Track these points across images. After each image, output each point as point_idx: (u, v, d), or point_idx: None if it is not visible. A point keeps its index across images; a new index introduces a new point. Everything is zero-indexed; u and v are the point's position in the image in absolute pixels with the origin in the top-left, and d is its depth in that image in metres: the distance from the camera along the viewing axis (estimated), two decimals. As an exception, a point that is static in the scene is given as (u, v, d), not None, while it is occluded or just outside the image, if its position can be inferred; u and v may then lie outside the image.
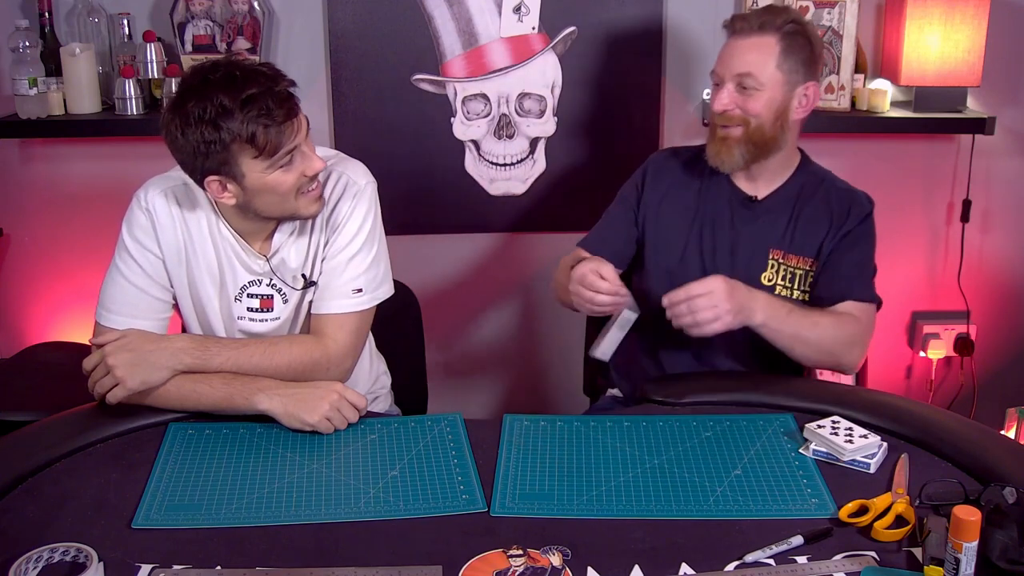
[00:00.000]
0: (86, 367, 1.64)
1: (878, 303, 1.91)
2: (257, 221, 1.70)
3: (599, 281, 1.74)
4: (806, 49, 1.84)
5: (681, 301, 1.71)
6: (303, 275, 1.76)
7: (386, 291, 1.82)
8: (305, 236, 1.75)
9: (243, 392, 1.62)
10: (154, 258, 1.72)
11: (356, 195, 1.75)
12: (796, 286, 1.91)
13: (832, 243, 1.89)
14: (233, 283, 1.76)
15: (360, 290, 1.76)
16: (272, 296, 1.78)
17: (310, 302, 1.78)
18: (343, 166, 1.78)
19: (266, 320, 1.79)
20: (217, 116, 1.52)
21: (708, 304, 1.69)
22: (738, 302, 1.72)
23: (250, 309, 1.78)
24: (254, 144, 1.55)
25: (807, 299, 1.91)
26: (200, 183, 1.63)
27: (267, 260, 1.74)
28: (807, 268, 1.91)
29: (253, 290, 1.77)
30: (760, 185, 1.94)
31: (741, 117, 1.85)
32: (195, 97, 1.54)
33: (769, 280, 1.91)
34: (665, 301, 1.73)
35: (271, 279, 1.77)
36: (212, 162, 1.57)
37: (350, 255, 1.75)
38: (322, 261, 1.76)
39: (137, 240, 1.71)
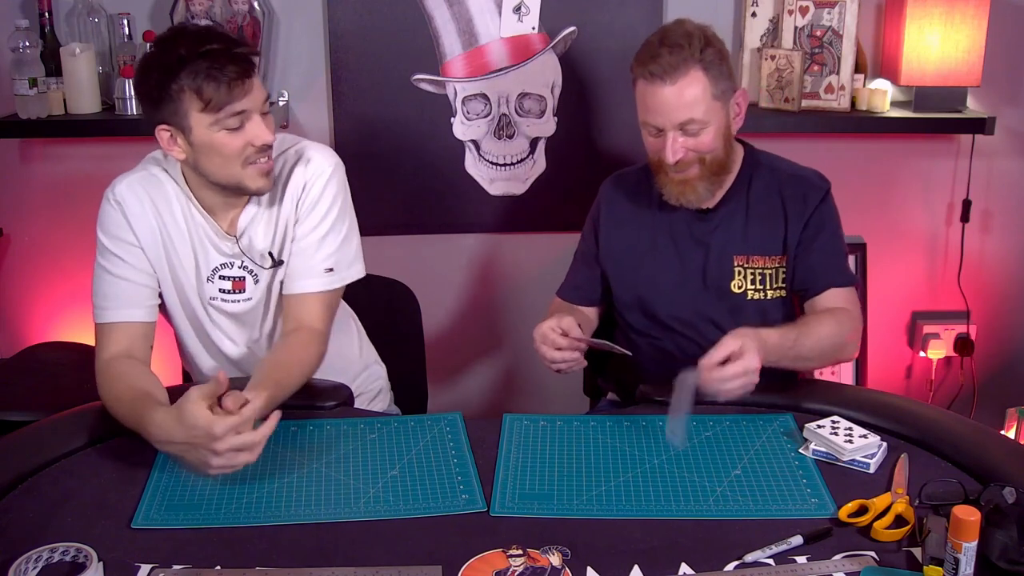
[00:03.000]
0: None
1: (856, 282, 1.91)
2: (220, 193, 1.72)
3: (559, 338, 1.72)
4: (723, 62, 1.78)
5: (720, 379, 1.59)
6: (270, 254, 1.78)
7: (358, 271, 1.84)
8: (272, 217, 1.77)
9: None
10: (132, 247, 1.74)
11: (327, 176, 1.77)
12: (768, 286, 1.89)
13: (796, 235, 1.86)
14: (206, 265, 1.79)
15: (332, 269, 1.78)
16: (244, 277, 1.80)
17: (281, 282, 1.80)
18: (310, 150, 1.80)
19: (239, 301, 1.81)
20: (173, 64, 1.59)
21: (747, 383, 1.60)
22: (761, 363, 1.62)
23: (222, 291, 1.80)
24: (200, 96, 1.59)
25: (784, 295, 1.90)
26: (154, 132, 1.67)
27: (236, 240, 1.76)
28: (776, 266, 1.89)
29: (225, 272, 1.79)
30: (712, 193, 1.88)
31: (695, 158, 1.79)
32: (161, 46, 1.62)
33: (739, 288, 1.88)
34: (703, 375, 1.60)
35: (242, 260, 1.78)
36: (164, 111, 1.62)
37: (321, 235, 1.77)
38: (291, 241, 1.78)
39: (112, 235, 1.73)
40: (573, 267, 2.06)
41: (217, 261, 1.78)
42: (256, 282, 1.80)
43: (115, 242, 1.73)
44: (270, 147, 1.69)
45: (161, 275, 1.77)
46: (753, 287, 1.89)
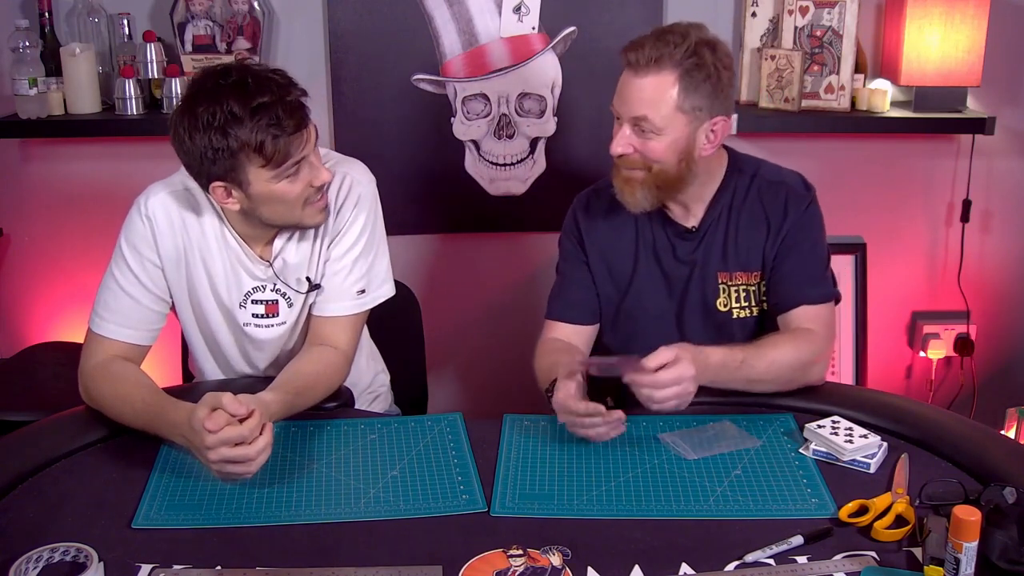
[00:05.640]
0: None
1: (836, 297, 1.81)
2: (261, 226, 1.70)
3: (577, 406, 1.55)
4: (710, 81, 1.67)
5: (646, 384, 1.54)
6: (307, 278, 1.76)
7: (388, 290, 1.82)
8: (308, 240, 1.75)
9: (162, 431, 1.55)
10: (152, 267, 1.70)
11: (360, 196, 1.75)
12: (752, 303, 1.83)
13: (775, 247, 1.78)
14: (237, 289, 1.75)
15: (363, 291, 1.76)
16: (277, 301, 1.77)
17: (311, 304, 1.78)
18: (345, 166, 1.77)
19: (272, 326, 1.78)
20: (226, 123, 1.51)
21: (682, 392, 1.55)
22: (698, 382, 1.58)
23: (255, 315, 1.77)
24: (262, 153, 1.53)
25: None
26: (205, 188, 1.62)
27: (270, 264, 1.74)
28: (757, 282, 1.82)
29: (257, 296, 1.76)
30: (692, 210, 1.82)
31: (641, 161, 1.71)
32: (205, 101, 1.52)
33: (724, 306, 1.83)
34: (627, 379, 1.56)
35: (275, 284, 1.76)
36: (218, 168, 1.56)
37: (355, 256, 1.75)
38: (325, 263, 1.75)
39: (135, 248, 1.69)
40: (563, 286, 1.92)
41: (249, 285, 1.75)
42: (289, 306, 1.77)
43: (136, 256, 1.69)
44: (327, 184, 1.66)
45: (178, 297, 1.75)
46: (738, 305, 1.83)
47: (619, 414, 1.55)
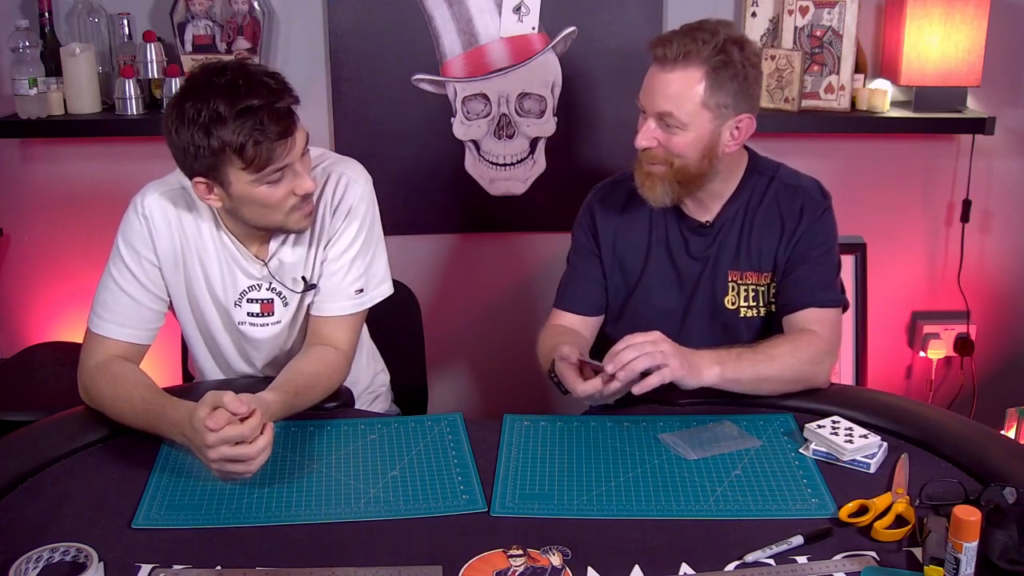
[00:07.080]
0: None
1: (843, 304, 1.81)
2: (251, 226, 1.70)
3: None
4: (737, 79, 1.69)
5: (620, 350, 1.56)
6: (303, 278, 1.76)
7: (386, 289, 1.82)
8: (304, 240, 1.75)
9: (162, 431, 1.55)
10: (150, 266, 1.70)
11: (356, 196, 1.75)
12: (761, 303, 1.84)
13: (787, 251, 1.80)
14: (233, 288, 1.75)
15: (361, 290, 1.76)
16: (272, 300, 1.77)
17: (309, 304, 1.78)
18: (341, 166, 1.77)
19: (267, 324, 1.78)
20: (210, 122, 1.51)
21: (652, 348, 1.55)
22: (680, 352, 1.59)
23: (250, 314, 1.77)
24: (242, 156, 1.53)
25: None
26: (189, 180, 1.63)
27: (265, 264, 1.74)
28: (767, 283, 1.83)
29: (253, 295, 1.76)
30: (709, 206, 1.83)
31: (664, 156, 1.73)
32: (195, 98, 1.52)
33: (732, 304, 1.83)
34: (610, 367, 1.57)
35: (271, 283, 1.76)
36: (200, 165, 1.56)
37: (352, 256, 1.75)
38: (322, 263, 1.75)
39: (132, 247, 1.69)
40: (572, 277, 1.94)
41: (245, 284, 1.75)
42: (284, 305, 1.78)
43: (133, 255, 1.69)
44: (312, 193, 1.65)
45: (176, 297, 1.75)
46: (746, 304, 1.84)
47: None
